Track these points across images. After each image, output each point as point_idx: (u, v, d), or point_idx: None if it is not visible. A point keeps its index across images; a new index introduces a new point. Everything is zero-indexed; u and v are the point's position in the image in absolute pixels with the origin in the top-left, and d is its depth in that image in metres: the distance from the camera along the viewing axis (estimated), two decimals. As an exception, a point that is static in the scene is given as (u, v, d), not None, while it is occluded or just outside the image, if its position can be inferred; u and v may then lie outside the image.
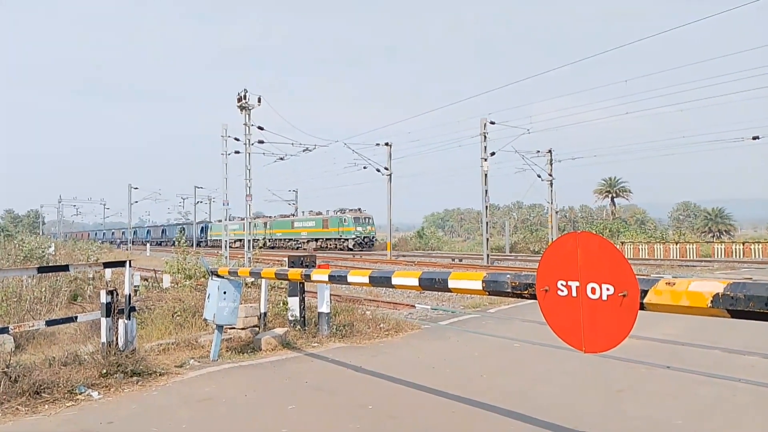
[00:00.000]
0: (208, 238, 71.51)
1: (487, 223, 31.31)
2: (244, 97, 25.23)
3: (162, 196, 74.29)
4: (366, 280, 4.40)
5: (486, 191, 30.71)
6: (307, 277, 5.15)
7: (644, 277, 2.66)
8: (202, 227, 74.55)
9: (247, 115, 25.72)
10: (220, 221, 69.11)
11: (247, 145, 25.96)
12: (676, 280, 2.49)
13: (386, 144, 36.88)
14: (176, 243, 15.36)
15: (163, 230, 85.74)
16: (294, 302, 7.95)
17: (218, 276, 6.53)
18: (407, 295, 13.79)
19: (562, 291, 2.88)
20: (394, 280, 4.18)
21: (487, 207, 31.43)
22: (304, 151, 30.61)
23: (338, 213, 55.27)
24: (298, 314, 7.88)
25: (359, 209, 54.35)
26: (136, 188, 64.56)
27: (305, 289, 8.09)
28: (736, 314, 2.23)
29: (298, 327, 7.74)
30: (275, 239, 61.36)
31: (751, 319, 2.21)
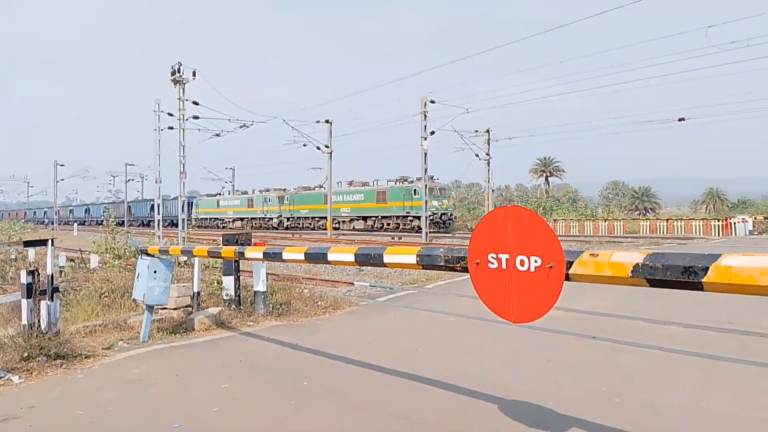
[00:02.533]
0: (194, 216, 60.48)
1: (426, 201, 31.61)
2: (179, 70, 24.32)
3: (90, 173, 69.93)
4: (302, 256, 4.34)
5: (426, 170, 30.95)
6: (241, 254, 5.03)
7: (569, 249, 2.72)
8: (184, 203, 67.08)
9: (182, 90, 24.82)
10: (212, 196, 61.50)
11: (182, 121, 25.10)
12: (599, 252, 2.57)
13: (326, 121, 36.47)
14: (105, 222, 14.27)
15: (104, 209, 77.01)
16: (229, 281, 7.79)
17: (148, 255, 6.30)
18: (346, 273, 13.79)
19: (493, 264, 2.92)
20: (330, 257, 4.14)
21: (426, 185, 31.73)
22: (241, 127, 29.88)
23: (401, 182, 42.08)
24: (233, 293, 7.73)
25: (431, 177, 37.35)
26: (62, 165, 60.93)
27: (240, 268, 7.93)
28: (654, 283, 2.32)
29: (233, 306, 7.60)
30: (298, 217, 48.94)
31: (668, 287, 2.30)
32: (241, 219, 55.12)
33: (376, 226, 43.38)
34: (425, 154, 30.50)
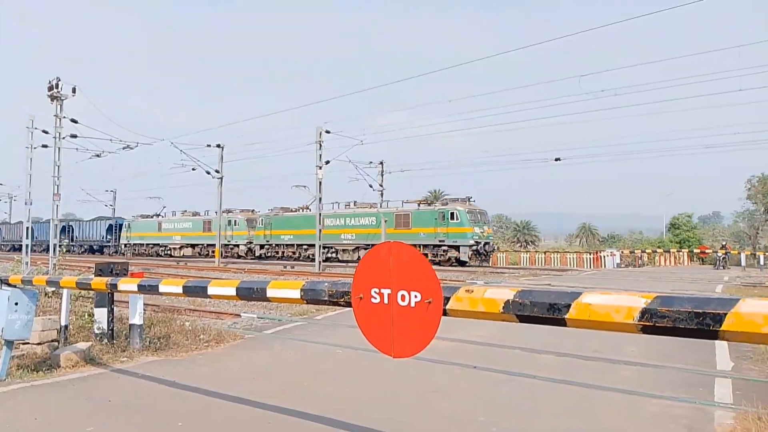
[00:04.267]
0: (124, 241, 52.37)
1: (320, 230, 31.52)
2: (56, 86, 22.73)
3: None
4: (179, 290, 4.14)
5: (320, 198, 30.96)
6: (114, 286, 4.71)
7: (448, 284, 2.81)
8: (110, 226, 54.52)
9: (59, 106, 23.20)
10: (151, 217, 51.85)
11: (58, 139, 23.41)
12: (474, 288, 2.66)
13: (218, 146, 35.55)
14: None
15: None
16: (101, 313, 7.25)
17: (9, 285, 5.73)
18: (233, 304, 13.33)
19: (375, 298, 2.94)
20: (211, 290, 3.97)
21: (321, 214, 31.68)
22: (124, 148, 28.34)
23: (431, 203, 35.75)
24: (105, 327, 7.20)
25: (469, 199, 34.35)
26: None
27: (115, 299, 7.42)
28: (523, 319, 2.43)
29: (106, 341, 7.07)
30: (278, 244, 41.01)
31: (535, 323, 2.42)
32: (193, 245, 47.05)
33: None
34: (320, 182, 30.55)
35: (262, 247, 42.38)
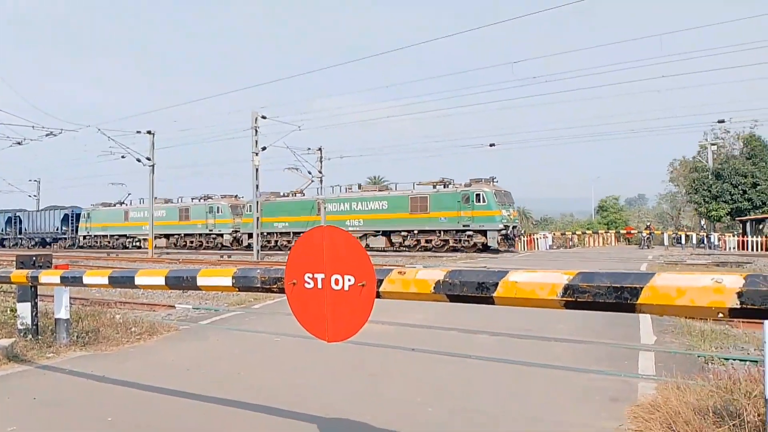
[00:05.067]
0: (83, 233, 47.76)
1: (257, 218, 31.03)
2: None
3: None
4: (105, 281, 3.99)
5: (257, 186, 30.44)
6: (35, 279, 4.48)
7: (381, 267, 2.82)
8: (65, 216, 49.64)
9: (-28, 90, 21.74)
10: (114, 205, 47.12)
11: (-29, 126, 21.95)
12: (407, 269, 2.69)
13: (149, 132, 34.30)
14: None
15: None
16: (24, 308, 6.88)
17: None
18: (167, 295, 12.96)
19: (309, 283, 2.92)
20: (138, 280, 3.85)
21: (258, 202, 31.16)
22: (47, 135, 26.93)
23: (456, 185, 32.16)
24: (29, 322, 6.84)
25: (493, 179, 31.95)
26: None
27: (40, 293, 7.07)
28: (453, 298, 2.48)
29: (30, 337, 6.73)
30: (270, 233, 37.14)
31: (465, 302, 2.47)
32: (167, 236, 43.41)
33: (407, 243, 32.63)
34: (257, 170, 30.02)
35: (251, 236, 36.57)
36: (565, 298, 2.15)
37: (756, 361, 5.57)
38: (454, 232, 31.26)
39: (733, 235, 39.39)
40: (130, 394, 4.88)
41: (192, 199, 43.44)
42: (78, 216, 49.11)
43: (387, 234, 33.32)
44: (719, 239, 38.80)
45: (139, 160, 34.58)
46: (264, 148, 30.60)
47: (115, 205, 47.74)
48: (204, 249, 40.79)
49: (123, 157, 34.57)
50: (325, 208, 32.46)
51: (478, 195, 30.46)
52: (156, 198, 44.47)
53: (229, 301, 11.30)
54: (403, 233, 32.69)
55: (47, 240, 51.74)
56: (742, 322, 7.40)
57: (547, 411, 4.28)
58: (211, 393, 4.75)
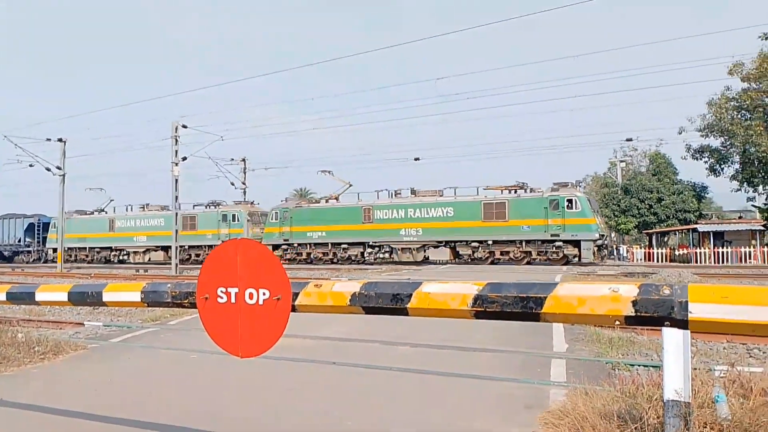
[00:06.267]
0: (53, 245, 39.43)
1: (177, 231, 30.00)
2: None
3: None
4: (2, 296, 3.71)
5: (177, 197, 29.47)
6: None
7: (297, 280, 2.79)
8: (29, 225, 43.20)
9: None
10: (92, 213, 40.71)
11: None
12: (323, 282, 2.67)
13: (59, 140, 32.51)
14: None
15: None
16: None
17: None
18: (77, 312, 12.24)
19: (222, 298, 2.84)
20: (39, 296, 3.61)
21: (177, 214, 30.15)
22: (-57, 141, 24.93)
23: (533, 189, 29.12)
24: None
25: (578, 183, 29.98)
26: None
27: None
28: (368, 310, 2.48)
29: None
30: (302, 243, 32.45)
31: (380, 314, 2.48)
32: (166, 248, 35.56)
33: (477, 255, 28.89)
34: (176, 180, 29.07)
35: (276, 247, 32.74)
36: (475, 308, 2.20)
37: (658, 367, 5.91)
38: (539, 242, 27.72)
39: (641, 247, 41.85)
40: (30, 417, 4.55)
41: (194, 206, 38.19)
42: (46, 226, 42.08)
43: (452, 245, 29.68)
44: (627, 251, 41.13)
45: (48, 169, 32.68)
46: (185, 158, 29.69)
47: (91, 213, 41.29)
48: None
49: (31, 165, 32.55)
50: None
51: (570, 200, 27.06)
52: (148, 204, 39.98)
53: (143, 317, 10.81)
54: (473, 244, 28.85)
55: (5, 254, 44.60)
56: (646, 329, 7.86)
57: (464, 419, 4.36)
58: (117, 415, 4.50)
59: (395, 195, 31.53)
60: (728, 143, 33.32)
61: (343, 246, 31.80)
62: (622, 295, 1.99)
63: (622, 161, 46.54)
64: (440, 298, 2.30)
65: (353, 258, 31.46)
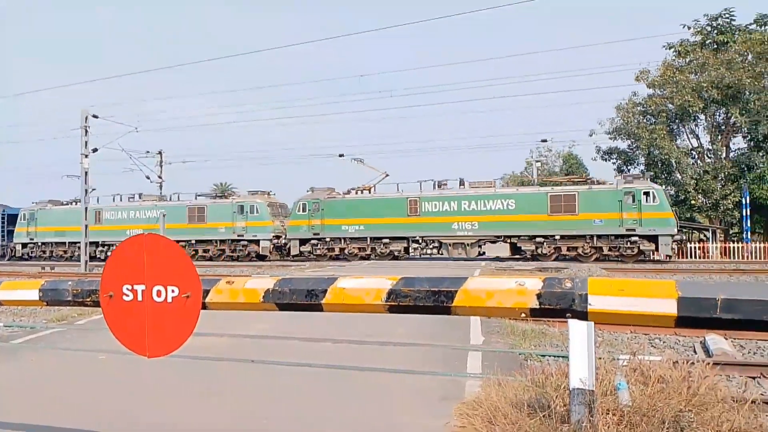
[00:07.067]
0: (23, 240, 35.83)
1: (86, 226, 28.45)
2: None
3: None
4: None
5: (86, 191, 27.96)
6: None
7: (208, 277, 2.71)
8: (2, 216, 38.24)
9: None
10: (69, 204, 35.25)
11: None
12: (235, 279, 2.61)
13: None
14: None
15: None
16: None
17: None
18: (-28, 313, 11.36)
19: (128, 296, 2.71)
20: None
21: (87, 208, 28.60)
22: None
23: (601, 181, 27.08)
24: None
25: (643, 173, 28.15)
26: None
27: None
28: (282, 307, 2.44)
29: None
30: (340, 238, 29.47)
31: (295, 310, 2.45)
32: None
33: (542, 251, 26.39)
34: (86, 172, 27.56)
35: (303, 242, 29.84)
36: (389, 303, 2.22)
37: (566, 357, 6.21)
38: (612, 237, 25.62)
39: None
40: None
41: (197, 195, 34.17)
42: (13, 218, 37.33)
43: (512, 240, 26.97)
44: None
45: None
46: (95, 150, 28.15)
47: (71, 204, 35.65)
48: (225, 260, 32.23)
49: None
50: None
51: (646, 193, 24.98)
52: (142, 194, 35.64)
53: (49, 317, 10.18)
54: (537, 239, 26.39)
55: None
56: (557, 322, 8.23)
57: (381, 413, 4.39)
58: (19, 419, 4.22)
59: (440, 186, 28.82)
60: (634, 146, 35.52)
61: (384, 241, 28.84)
62: (528, 288, 2.06)
63: (537, 161, 48.39)
64: (355, 293, 2.29)
65: (396, 254, 28.69)
